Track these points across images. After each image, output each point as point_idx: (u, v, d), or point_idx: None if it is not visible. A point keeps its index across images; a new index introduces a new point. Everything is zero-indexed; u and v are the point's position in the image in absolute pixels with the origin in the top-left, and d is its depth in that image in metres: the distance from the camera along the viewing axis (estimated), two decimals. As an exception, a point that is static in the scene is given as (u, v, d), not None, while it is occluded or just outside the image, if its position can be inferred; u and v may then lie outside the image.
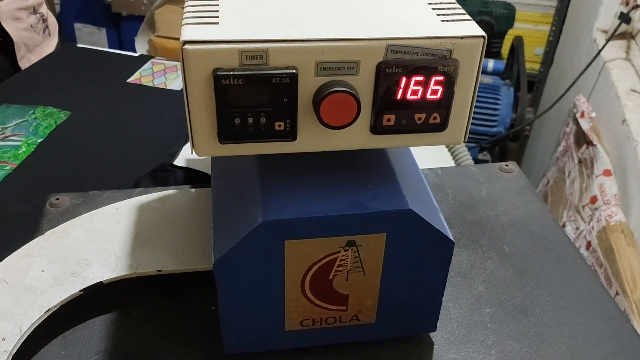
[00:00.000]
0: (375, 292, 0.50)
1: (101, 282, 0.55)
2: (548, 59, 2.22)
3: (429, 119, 0.44)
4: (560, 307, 0.59)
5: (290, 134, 0.43)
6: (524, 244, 0.66)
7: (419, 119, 0.44)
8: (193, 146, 0.43)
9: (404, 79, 0.42)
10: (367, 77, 0.42)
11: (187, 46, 0.39)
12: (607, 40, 1.51)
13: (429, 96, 0.43)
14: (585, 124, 1.36)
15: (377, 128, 0.44)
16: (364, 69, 0.42)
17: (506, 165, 0.78)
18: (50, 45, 1.27)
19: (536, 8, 2.32)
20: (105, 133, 0.95)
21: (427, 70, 0.42)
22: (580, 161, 1.36)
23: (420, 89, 0.43)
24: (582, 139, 1.38)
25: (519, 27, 2.21)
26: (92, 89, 1.05)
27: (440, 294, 0.51)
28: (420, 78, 0.42)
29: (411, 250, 0.48)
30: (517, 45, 1.91)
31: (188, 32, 0.40)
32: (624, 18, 1.54)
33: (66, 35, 2.53)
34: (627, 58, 1.51)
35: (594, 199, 1.21)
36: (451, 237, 0.48)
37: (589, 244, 1.17)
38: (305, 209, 0.45)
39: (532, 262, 0.64)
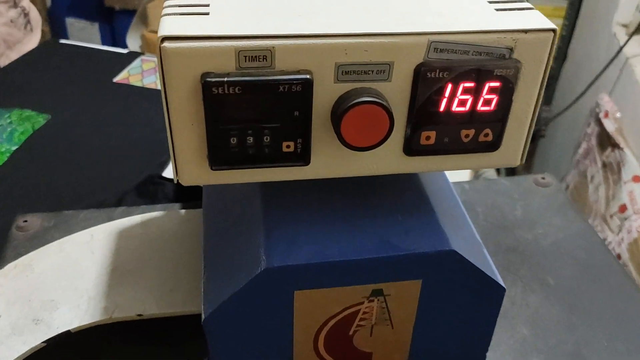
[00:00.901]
0: (405, 348, 0.40)
1: (69, 331, 0.45)
2: (561, 55, 2.12)
3: (479, 136, 0.35)
4: (620, 353, 0.49)
5: (302, 157, 0.33)
6: (571, 274, 0.57)
7: (467, 136, 0.35)
8: (177, 173, 0.34)
9: (449, 86, 0.33)
10: (402, 83, 0.32)
11: (166, 44, 0.29)
12: (631, 36, 1.41)
13: (480, 107, 0.34)
14: (610, 125, 1.26)
15: (412, 148, 0.35)
16: (399, 73, 0.32)
17: (542, 178, 0.68)
18: (32, 41, 1.17)
19: (548, 1, 2.21)
20: (87, 139, 0.85)
21: (480, 75, 0.32)
22: (604, 165, 1.26)
23: (469, 98, 0.33)
24: (606, 141, 1.28)
25: (530, 21, 2.10)
26: (74, 89, 0.96)
27: (485, 348, 0.42)
28: (471, 84, 0.33)
29: (452, 299, 0.39)
30: (531, 40, 1.80)
31: (168, 25, 0.30)
32: (648, 11, 1.44)
33: (57, 31, 2.43)
34: (652, 54, 1.41)
35: (623, 208, 1.12)
36: (502, 283, 0.39)
37: (618, 257, 1.07)
38: (320, 252, 0.35)
39: (581, 297, 0.54)
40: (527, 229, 0.62)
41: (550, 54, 0.33)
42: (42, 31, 1.81)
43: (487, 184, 0.69)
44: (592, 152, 1.35)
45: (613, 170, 1.22)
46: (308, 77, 0.31)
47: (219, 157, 0.32)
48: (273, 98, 0.31)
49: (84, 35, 2.46)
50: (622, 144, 1.20)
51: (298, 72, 0.31)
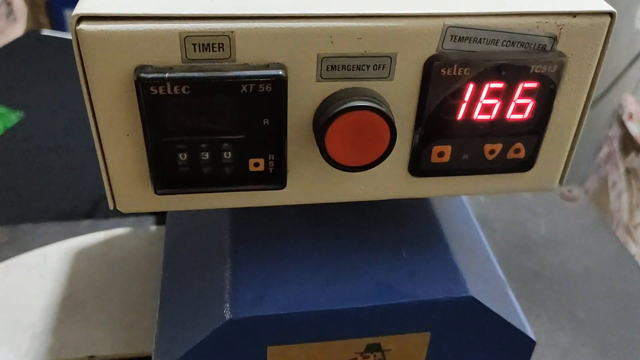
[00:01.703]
0: (410, 413, 0.32)
1: (4, 376, 0.38)
2: (578, 52, 2.02)
3: (508, 152, 0.27)
4: (667, 408, 0.41)
5: (275, 178, 0.25)
6: (605, 307, 0.48)
7: (491, 152, 0.27)
8: (112, 198, 0.26)
9: (470, 87, 0.25)
10: (407, 82, 0.24)
11: (85, 26, 0.22)
12: (656, 32, 1.32)
13: (510, 115, 0.26)
14: (634, 128, 1.18)
15: (420, 167, 0.27)
16: (403, 69, 0.24)
17: (569, 191, 0.60)
18: (15, 32, 1.09)
19: (565, -4, 2.12)
20: (63, 140, 0.77)
21: (512, 72, 0.24)
22: (628, 171, 1.17)
23: (497, 103, 0.25)
24: (629, 145, 1.20)
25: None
26: (53, 84, 0.88)
27: (508, 412, 0.34)
28: (499, 85, 0.25)
29: (468, 355, 0.31)
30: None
31: (87, 2, 0.22)
32: (675, 6, 1.35)
33: (56, 24, 2.36)
34: (678, 52, 1.32)
35: (649, 218, 1.03)
36: (532, 335, 0.31)
37: (643, 272, 0.99)
38: (300, 299, 0.28)
39: (618, 335, 0.46)
40: (554, 251, 0.53)
41: (605, 45, 0.25)
42: (40, 23, 1.74)
43: (506, 196, 0.61)
44: (613, 157, 1.26)
45: (637, 176, 1.13)
46: (280, 73, 0.23)
47: (164, 178, 0.25)
48: (234, 101, 0.23)
49: (83, 28, 2.39)
50: (647, 149, 1.11)
51: (267, 67, 0.23)
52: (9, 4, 1.10)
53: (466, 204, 0.40)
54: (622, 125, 1.23)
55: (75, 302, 0.42)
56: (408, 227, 0.32)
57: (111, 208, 0.26)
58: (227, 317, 0.27)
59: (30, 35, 1.03)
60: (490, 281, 0.31)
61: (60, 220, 0.59)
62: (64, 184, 0.71)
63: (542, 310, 0.48)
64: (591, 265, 0.52)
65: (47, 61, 0.94)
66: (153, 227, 0.49)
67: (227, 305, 0.27)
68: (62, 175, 0.72)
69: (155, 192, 0.25)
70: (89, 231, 0.52)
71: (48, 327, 0.40)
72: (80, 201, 0.67)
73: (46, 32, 1.03)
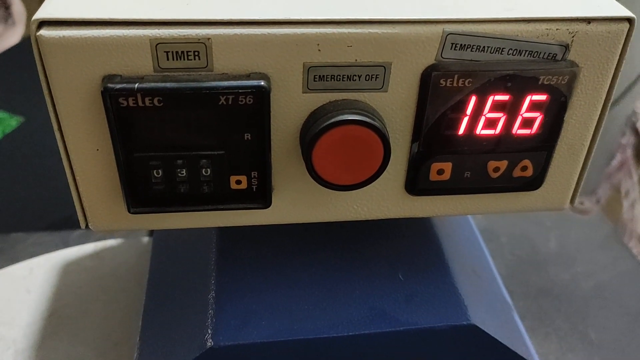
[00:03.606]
0: None
1: (-17, 397, 0.36)
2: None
3: (514, 170, 0.25)
4: None
5: (259, 197, 0.23)
6: (618, 327, 0.46)
7: (496, 169, 0.24)
8: (84, 217, 0.24)
9: (473, 99, 0.22)
10: (403, 94, 0.22)
11: (45, 32, 0.20)
12: (672, 36, 1.29)
13: (516, 130, 0.23)
14: (648, 136, 1.14)
15: (418, 185, 0.24)
16: (399, 80, 0.22)
17: (580, 203, 0.57)
18: (14, 36, 1.08)
19: None
20: (62, 145, 0.76)
21: (519, 83, 0.22)
22: (642, 179, 1.14)
23: (502, 117, 0.23)
24: (643, 152, 1.17)
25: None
26: (54, 88, 0.87)
27: None
28: (504, 97, 0.23)
29: (470, 387, 0.28)
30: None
31: (51, 5, 0.20)
32: (692, 10, 1.32)
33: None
34: (695, 57, 1.29)
35: (663, 229, 1.00)
36: (539, 366, 0.29)
37: (658, 285, 0.96)
38: (287, 326, 0.26)
39: (633, 358, 0.44)
40: (564, 267, 0.51)
41: (622, 54, 0.23)
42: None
43: (514, 208, 0.59)
44: (626, 165, 1.23)
45: (652, 185, 1.10)
46: (263, 83, 0.21)
47: (138, 196, 0.23)
48: (212, 114, 0.21)
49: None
50: (662, 157, 1.08)
51: (248, 77, 0.21)
52: (7, 8, 1.08)
53: (469, 217, 0.38)
54: (636, 132, 1.20)
55: (61, 318, 0.40)
56: (404, 245, 0.30)
57: (83, 227, 0.24)
58: (209, 344, 0.25)
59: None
60: (494, 306, 0.29)
61: (56, 228, 0.57)
62: (61, 191, 0.69)
63: (552, 331, 0.46)
64: (604, 282, 0.50)
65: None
66: (145, 239, 0.47)
67: (209, 331, 0.25)
68: (60, 181, 0.70)
69: (129, 211, 0.23)
70: (81, 241, 0.50)
71: (32, 344, 0.39)
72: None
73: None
